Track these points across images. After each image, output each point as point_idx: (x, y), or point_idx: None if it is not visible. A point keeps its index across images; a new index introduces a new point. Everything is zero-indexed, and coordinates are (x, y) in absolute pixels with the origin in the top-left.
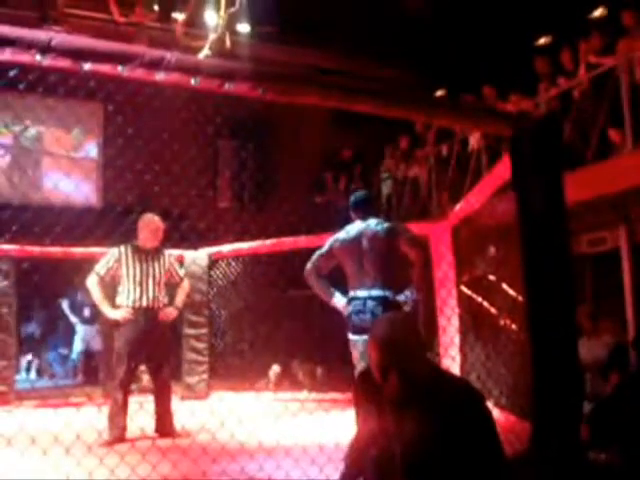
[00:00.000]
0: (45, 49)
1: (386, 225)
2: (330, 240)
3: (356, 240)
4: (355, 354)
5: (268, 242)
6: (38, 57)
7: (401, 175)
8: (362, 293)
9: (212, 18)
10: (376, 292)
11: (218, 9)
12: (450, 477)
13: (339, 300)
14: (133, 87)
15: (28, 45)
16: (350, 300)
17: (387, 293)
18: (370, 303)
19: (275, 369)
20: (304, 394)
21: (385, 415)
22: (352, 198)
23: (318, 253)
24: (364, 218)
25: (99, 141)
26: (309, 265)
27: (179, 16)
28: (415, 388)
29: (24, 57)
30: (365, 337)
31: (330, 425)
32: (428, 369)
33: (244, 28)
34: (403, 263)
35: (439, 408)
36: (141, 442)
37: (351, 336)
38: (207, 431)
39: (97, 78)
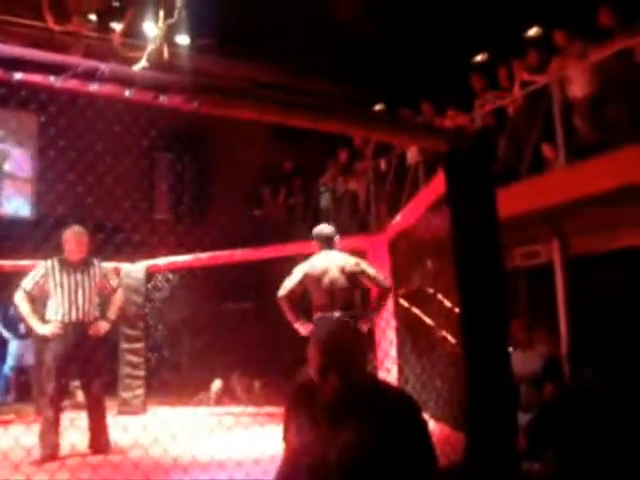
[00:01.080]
0: None
1: (351, 261)
2: (299, 271)
3: (324, 274)
4: None
5: (204, 255)
6: None
7: (340, 188)
8: (329, 315)
9: (151, 29)
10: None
11: (156, 20)
12: None
13: (303, 324)
14: (68, 97)
15: None
16: (317, 320)
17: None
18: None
19: (217, 384)
20: (240, 409)
21: (320, 423)
22: (318, 231)
23: (289, 282)
24: (328, 249)
25: (32, 152)
26: (282, 292)
27: (117, 26)
28: (354, 393)
29: None
30: None
31: (265, 439)
32: (367, 376)
33: (183, 40)
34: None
35: (376, 415)
36: (72, 459)
37: None
38: (140, 447)
39: (30, 88)
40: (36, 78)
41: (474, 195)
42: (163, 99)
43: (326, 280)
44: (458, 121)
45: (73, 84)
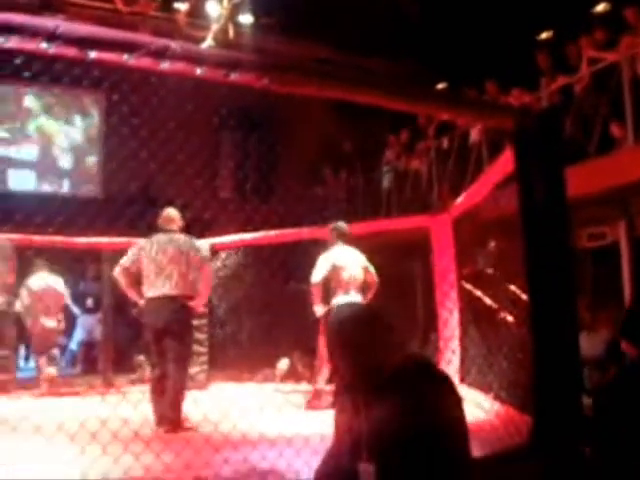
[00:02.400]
0: (51, 37)
1: (363, 258)
2: (326, 262)
3: (346, 267)
4: None
5: (270, 233)
6: (44, 45)
7: (402, 168)
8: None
9: (215, 9)
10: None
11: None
12: (415, 463)
13: (320, 309)
14: (137, 77)
15: (33, 33)
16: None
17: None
18: None
19: (284, 362)
20: (304, 386)
21: (357, 403)
22: (341, 226)
23: (320, 270)
24: (343, 244)
25: (102, 131)
26: (317, 279)
27: (182, 6)
28: (372, 374)
29: (29, 45)
30: None
31: (330, 417)
32: (396, 356)
33: (246, 19)
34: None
35: (402, 392)
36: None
37: None
38: (210, 421)
39: (100, 67)
40: (109, 57)
41: (543, 174)
42: (234, 77)
43: (347, 273)
44: (523, 100)
45: (145, 62)
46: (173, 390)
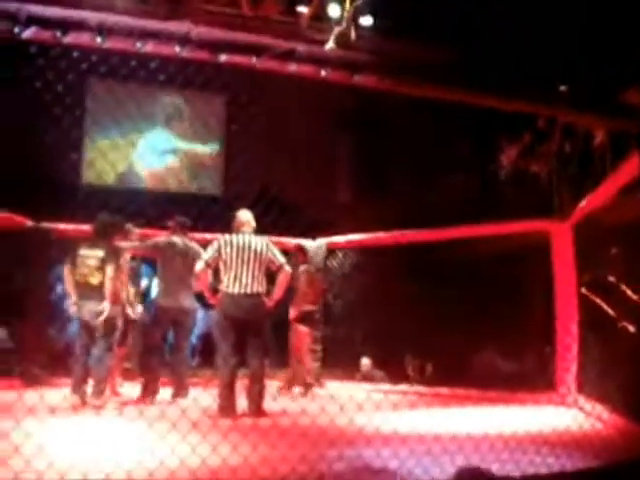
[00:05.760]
0: (184, 41)
1: None
2: None
3: None
4: None
5: (385, 234)
6: (177, 49)
7: (520, 171)
8: None
9: (336, 11)
10: None
11: (343, 2)
12: None
13: None
14: (254, 81)
15: (168, 37)
16: None
17: None
18: None
19: (365, 361)
20: (405, 387)
21: None
22: None
23: None
24: None
25: (223, 134)
26: None
27: (303, 9)
28: None
29: (164, 49)
30: None
31: (445, 418)
32: None
33: (366, 21)
34: None
35: None
36: (244, 421)
37: None
38: (308, 415)
39: (222, 72)
40: (238, 59)
41: None
42: (357, 78)
43: None
44: None
45: (271, 65)
46: (257, 380)
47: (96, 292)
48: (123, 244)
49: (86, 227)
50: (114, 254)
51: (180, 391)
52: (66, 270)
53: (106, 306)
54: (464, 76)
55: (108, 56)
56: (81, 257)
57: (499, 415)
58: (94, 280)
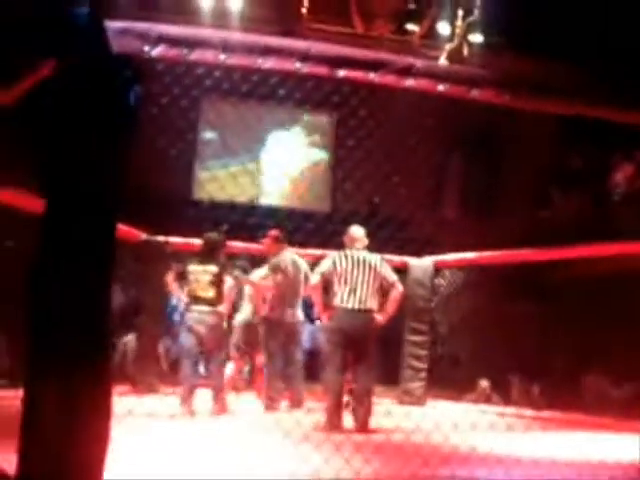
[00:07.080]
0: (304, 57)
1: None
2: None
3: None
4: None
5: (493, 253)
6: (297, 65)
7: (637, 190)
8: None
9: (446, 29)
10: None
11: (454, 19)
12: None
13: None
14: (363, 96)
15: (289, 54)
16: None
17: None
18: None
19: (484, 383)
20: (513, 409)
21: None
22: None
23: None
24: None
25: (331, 148)
26: None
27: (415, 27)
28: None
29: (285, 65)
30: None
31: (546, 442)
32: None
33: (477, 38)
34: None
35: None
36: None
37: None
38: (421, 432)
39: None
40: (356, 75)
41: None
42: (474, 93)
43: None
44: None
45: (389, 80)
46: (366, 396)
47: (209, 305)
48: (245, 278)
49: (195, 241)
50: (229, 268)
51: (295, 402)
52: (169, 278)
53: (221, 316)
54: (586, 90)
55: (221, 80)
56: (192, 273)
57: (608, 442)
58: (207, 294)
